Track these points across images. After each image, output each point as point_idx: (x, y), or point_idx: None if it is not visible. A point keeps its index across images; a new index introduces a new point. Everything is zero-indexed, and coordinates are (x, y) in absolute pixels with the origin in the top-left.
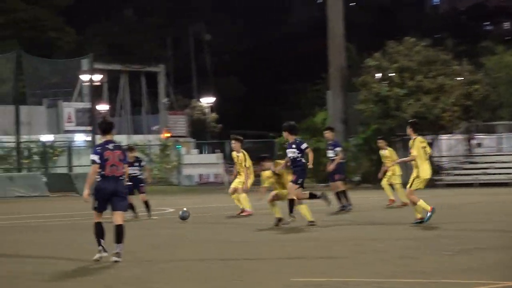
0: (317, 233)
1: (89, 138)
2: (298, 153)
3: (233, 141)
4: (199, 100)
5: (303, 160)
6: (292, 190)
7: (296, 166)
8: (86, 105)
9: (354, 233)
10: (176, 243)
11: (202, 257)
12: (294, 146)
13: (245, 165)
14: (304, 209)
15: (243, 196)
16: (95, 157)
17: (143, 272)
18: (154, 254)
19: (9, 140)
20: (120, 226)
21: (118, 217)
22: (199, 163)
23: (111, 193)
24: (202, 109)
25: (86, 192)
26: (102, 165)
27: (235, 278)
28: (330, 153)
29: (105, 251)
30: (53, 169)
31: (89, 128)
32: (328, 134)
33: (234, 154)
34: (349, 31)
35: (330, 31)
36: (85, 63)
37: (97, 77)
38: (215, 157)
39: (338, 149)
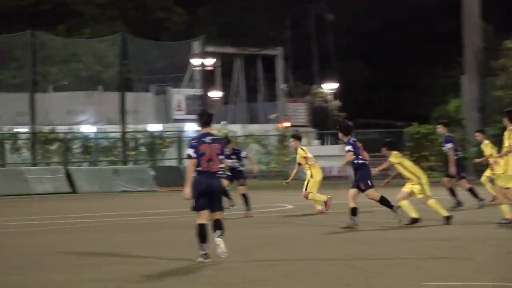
0: (449, 231)
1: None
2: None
3: (290, 139)
4: (320, 86)
5: (360, 161)
6: (373, 196)
7: (355, 170)
8: (197, 91)
9: (492, 231)
10: (294, 242)
11: (323, 257)
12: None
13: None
14: (435, 204)
15: (311, 195)
16: (191, 151)
17: (260, 274)
18: (271, 254)
19: (114, 130)
20: (218, 219)
21: (216, 215)
22: (320, 155)
23: (207, 190)
24: (324, 96)
25: (186, 189)
26: (198, 160)
27: (360, 281)
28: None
29: (208, 257)
30: (161, 161)
31: None
32: (440, 129)
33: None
34: (486, 9)
35: (465, 9)
36: (196, 45)
37: (209, 61)
38: (339, 149)
39: (448, 145)
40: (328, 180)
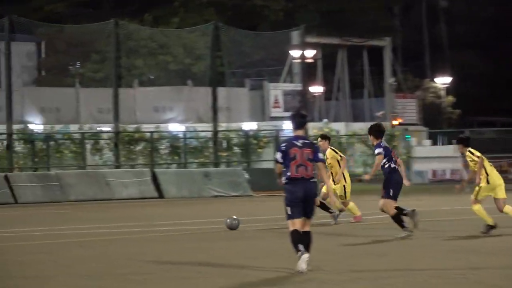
0: None
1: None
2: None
3: (319, 139)
4: (432, 80)
5: (392, 166)
6: (388, 208)
7: (384, 175)
8: (296, 86)
9: None
10: (404, 252)
11: (435, 268)
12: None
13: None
14: (479, 211)
15: (350, 204)
16: (278, 156)
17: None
18: (379, 265)
19: (204, 128)
20: (306, 232)
21: (306, 224)
22: (432, 156)
23: (302, 198)
24: (436, 91)
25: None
26: (287, 165)
27: None
28: None
29: (304, 253)
30: (256, 163)
31: None
32: None
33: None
34: None
35: None
36: (295, 36)
37: (310, 53)
38: (452, 150)
39: None
40: (442, 184)
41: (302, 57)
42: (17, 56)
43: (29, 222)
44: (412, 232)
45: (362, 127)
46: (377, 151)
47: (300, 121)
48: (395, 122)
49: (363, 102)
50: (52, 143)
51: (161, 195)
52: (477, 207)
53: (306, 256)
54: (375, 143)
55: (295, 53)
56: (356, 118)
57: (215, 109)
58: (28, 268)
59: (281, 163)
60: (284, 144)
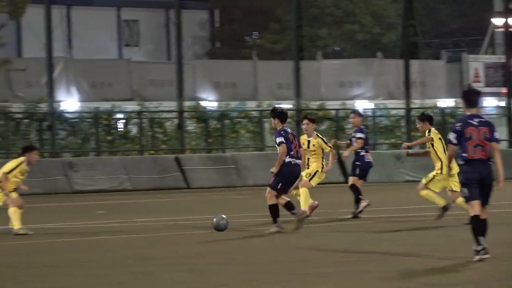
0: None
1: (503, 104)
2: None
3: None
4: None
5: (287, 160)
6: (268, 196)
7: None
8: (499, 58)
9: None
10: None
11: None
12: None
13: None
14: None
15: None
16: (452, 136)
17: None
18: None
19: (396, 106)
20: (483, 220)
21: (482, 212)
22: None
23: (480, 180)
24: None
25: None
26: (463, 146)
27: None
28: None
29: (486, 252)
30: None
31: (503, 89)
32: None
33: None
34: None
35: None
36: (498, 1)
37: None
38: None
39: None
40: None
41: (506, 25)
42: (188, 26)
43: (203, 209)
44: (282, 228)
45: None
46: (278, 139)
47: (474, 99)
48: None
49: None
50: (227, 122)
51: (347, 180)
52: (425, 192)
53: (486, 256)
54: (278, 127)
55: (497, 21)
56: None
57: (407, 84)
58: (200, 260)
59: (455, 144)
60: (459, 124)
